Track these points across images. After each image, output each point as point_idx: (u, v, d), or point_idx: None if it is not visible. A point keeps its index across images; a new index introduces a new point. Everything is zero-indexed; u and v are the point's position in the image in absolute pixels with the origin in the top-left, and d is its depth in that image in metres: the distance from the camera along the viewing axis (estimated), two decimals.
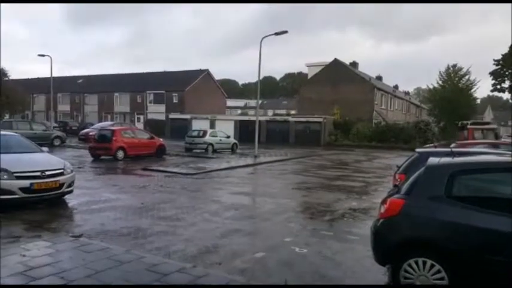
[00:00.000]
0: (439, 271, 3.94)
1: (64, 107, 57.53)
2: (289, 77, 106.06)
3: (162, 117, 46.14)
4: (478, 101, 54.76)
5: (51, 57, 32.73)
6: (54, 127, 32.80)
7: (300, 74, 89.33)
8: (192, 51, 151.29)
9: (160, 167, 15.45)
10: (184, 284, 4.24)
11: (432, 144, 19.93)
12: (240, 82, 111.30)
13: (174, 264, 4.88)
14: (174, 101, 49.14)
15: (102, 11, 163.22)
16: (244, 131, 35.82)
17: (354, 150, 29.87)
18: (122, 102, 53.21)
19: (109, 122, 38.41)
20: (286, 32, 21.14)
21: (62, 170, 8.17)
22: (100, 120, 47.80)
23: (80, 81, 59.66)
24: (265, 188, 12.10)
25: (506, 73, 38.47)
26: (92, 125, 36.94)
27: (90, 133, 26.34)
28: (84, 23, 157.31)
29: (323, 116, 36.02)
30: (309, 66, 48.52)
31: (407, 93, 68.64)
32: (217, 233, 6.60)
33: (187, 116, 42.20)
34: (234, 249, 5.73)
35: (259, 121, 25.25)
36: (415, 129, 34.64)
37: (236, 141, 26.24)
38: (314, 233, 6.84)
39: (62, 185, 8.03)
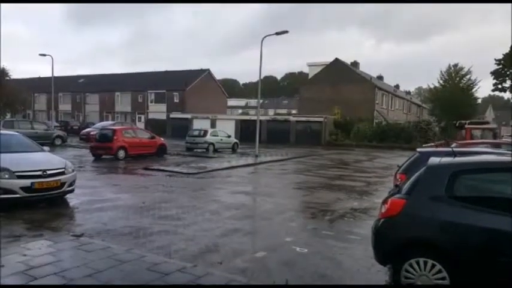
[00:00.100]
0: (440, 271, 3.93)
1: (65, 106, 57.56)
2: (290, 76, 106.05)
3: (163, 116, 46.16)
4: (479, 101, 54.62)
5: (52, 57, 32.75)
6: (55, 126, 32.78)
7: (300, 73, 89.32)
8: (192, 51, 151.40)
9: (161, 167, 15.46)
10: (184, 284, 4.24)
11: (432, 144, 19.95)
12: (241, 82, 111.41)
13: (174, 263, 4.89)
14: (175, 100, 49.14)
15: (102, 11, 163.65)
16: (245, 131, 35.84)
17: (355, 149, 29.86)
18: (123, 102, 53.23)
19: (110, 122, 38.43)
20: (286, 31, 21.15)
21: (63, 170, 8.18)
22: (101, 120, 47.80)
23: (81, 80, 59.70)
24: (266, 187, 12.10)
25: (508, 73, 38.42)
26: (93, 124, 36.97)
27: (91, 133, 26.37)
28: (84, 23, 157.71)
29: (324, 115, 36.00)
30: (309, 65, 48.48)
31: (408, 92, 68.60)
32: (218, 232, 6.61)
33: (188, 116, 42.22)
34: (235, 249, 5.74)
35: (260, 121, 25.24)
36: (416, 129, 34.59)
37: (237, 141, 26.25)
38: (315, 232, 6.84)
39: (63, 184, 8.04)
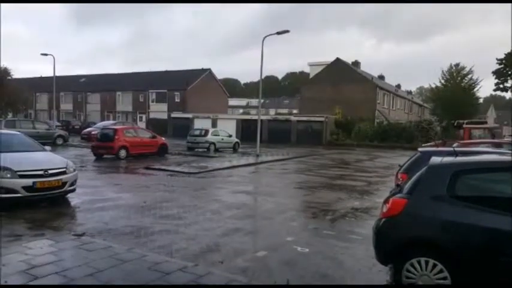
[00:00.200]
0: (441, 271, 3.93)
1: (66, 106, 57.65)
2: (291, 76, 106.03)
3: (164, 116, 46.19)
4: (481, 100, 54.57)
5: (53, 56, 32.75)
6: (56, 126, 32.87)
7: (301, 73, 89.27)
8: (192, 51, 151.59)
9: (162, 166, 15.47)
10: (184, 284, 4.24)
11: (432, 143, 19.94)
12: (242, 81, 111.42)
13: (176, 262, 4.89)
14: (176, 100, 49.17)
15: (102, 11, 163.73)
16: (246, 130, 35.86)
17: (356, 149, 29.83)
18: (124, 101, 53.28)
19: (111, 121, 38.49)
20: (288, 31, 21.14)
21: (64, 169, 8.19)
22: (102, 119, 47.87)
23: (83, 80, 59.77)
24: (267, 187, 12.10)
25: (509, 72, 38.29)
26: (94, 124, 37.02)
27: (93, 132, 26.43)
28: (84, 23, 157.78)
29: (325, 115, 35.98)
30: (311, 65, 48.47)
31: (409, 92, 68.52)
32: (219, 231, 6.61)
33: (189, 115, 42.24)
34: (236, 248, 5.74)
35: (261, 120, 25.24)
36: (418, 129, 34.55)
37: (238, 141, 26.25)
38: (316, 232, 6.84)
39: (64, 183, 8.06)
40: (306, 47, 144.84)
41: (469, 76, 44.12)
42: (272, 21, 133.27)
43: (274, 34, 21.26)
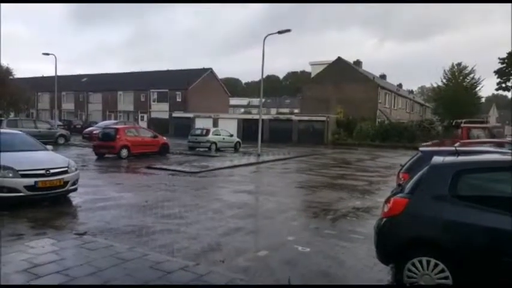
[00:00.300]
0: (442, 270, 3.93)
1: (68, 105, 57.75)
2: (292, 75, 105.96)
3: (166, 115, 46.24)
4: (483, 100, 54.44)
5: (55, 56, 32.85)
6: (58, 125, 32.93)
7: (303, 72, 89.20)
8: (194, 50, 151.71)
9: (163, 166, 15.48)
10: (185, 284, 4.25)
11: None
12: (243, 81, 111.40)
13: (177, 262, 4.90)
14: (178, 99, 49.22)
15: (103, 10, 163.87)
16: (247, 130, 35.85)
17: (357, 149, 29.80)
18: (125, 101, 53.35)
19: (113, 121, 38.52)
20: (289, 30, 21.13)
21: (66, 168, 8.21)
22: (104, 119, 47.95)
23: (84, 79, 59.87)
24: (268, 186, 12.10)
25: (511, 72, 38.21)
26: (96, 123, 37.07)
27: (94, 132, 26.44)
28: (85, 23, 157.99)
29: (326, 114, 35.96)
30: (312, 64, 48.45)
31: (411, 91, 68.36)
32: (221, 231, 6.62)
33: (191, 115, 42.26)
34: (237, 248, 5.74)
35: (262, 120, 25.22)
36: (419, 128, 34.50)
37: (239, 140, 26.26)
38: (317, 232, 6.84)
39: (66, 183, 8.08)
40: (307, 46, 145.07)
41: (471, 75, 44.07)
42: (273, 21, 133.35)
43: (275, 33, 21.25)
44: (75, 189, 8.57)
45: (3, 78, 36.59)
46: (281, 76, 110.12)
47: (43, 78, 58.51)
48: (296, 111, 56.68)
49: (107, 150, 18.14)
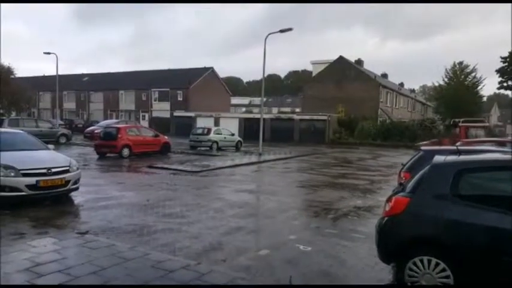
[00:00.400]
0: (444, 269, 3.92)
1: (70, 104, 57.86)
2: (293, 74, 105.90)
3: (167, 114, 46.26)
4: (484, 99, 54.27)
5: (56, 55, 32.84)
6: (60, 125, 33.00)
7: (304, 71, 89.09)
8: (194, 50, 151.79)
9: (165, 165, 15.50)
10: (186, 284, 4.26)
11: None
12: (245, 80, 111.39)
13: (179, 261, 4.91)
14: (179, 98, 49.25)
15: (104, 10, 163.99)
16: (249, 129, 35.83)
17: (359, 148, 29.78)
18: (127, 100, 53.41)
19: (114, 120, 38.56)
20: (291, 29, 21.12)
21: (67, 168, 8.23)
22: (105, 118, 48.03)
23: (85, 79, 59.95)
24: (270, 185, 12.10)
25: None
26: (97, 122, 37.12)
27: (96, 131, 26.48)
28: (86, 22, 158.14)
29: (328, 113, 35.91)
30: (313, 63, 48.36)
31: (412, 90, 68.29)
32: (222, 230, 6.62)
33: (192, 114, 42.26)
34: (238, 247, 5.75)
35: (264, 119, 25.20)
36: (421, 127, 34.43)
37: (240, 139, 26.26)
38: (318, 231, 6.84)
39: (67, 182, 8.09)
40: (308, 45, 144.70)
41: (473, 74, 43.92)
42: (273, 21, 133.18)
43: (277, 32, 21.22)
44: (76, 189, 8.58)
45: (4, 78, 36.64)
46: (282, 75, 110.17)
47: (44, 77, 58.58)
48: (297, 110, 56.65)
49: (109, 150, 18.16)
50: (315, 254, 5.55)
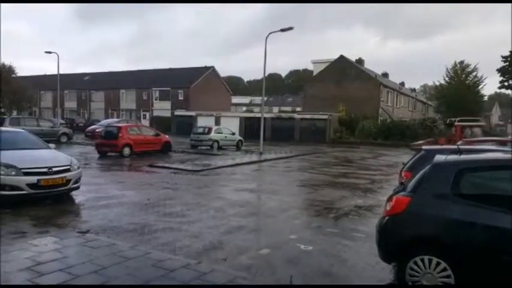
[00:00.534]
0: (444, 269, 3.92)
1: (71, 103, 57.92)
2: (294, 74, 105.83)
3: (168, 114, 46.30)
4: (485, 98, 54.20)
5: (58, 54, 32.85)
6: (61, 124, 33.02)
7: (305, 70, 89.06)
8: (195, 50, 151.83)
9: (166, 164, 15.50)
10: (187, 284, 4.26)
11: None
12: (245, 79, 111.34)
13: (179, 260, 4.91)
14: (180, 97, 49.28)
15: (105, 10, 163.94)
16: (249, 128, 35.83)
17: (360, 147, 29.76)
18: (127, 99, 53.45)
19: (115, 119, 38.61)
20: (291, 28, 21.10)
21: (68, 167, 8.23)
22: (106, 117, 48.08)
23: (86, 78, 59.99)
24: (270, 185, 12.10)
25: None
26: (98, 121, 37.15)
27: (97, 130, 26.50)
28: (88, 22, 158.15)
29: (328, 113, 35.90)
30: (314, 63, 48.32)
31: (413, 90, 68.21)
32: (223, 229, 6.62)
33: (193, 113, 42.28)
34: (239, 246, 5.75)
35: (264, 118, 25.20)
36: (421, 127, 34.39)
37: (241, 138, 26.26)
38: (319, 230, 6.84)
39: (68, 181, 8.10)
40: (309, 45, 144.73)
41: (474, 74, 43.91)
42: (273, 21, 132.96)
43: (278, 31, 21.22)
44: (77, 188, 8.59)
45: (5, 77, 36.68)
46: (283, 74, 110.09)
47: (45, 76, 58.62)
48: (298, 109, 56.63)
49: (110, 149, 18.18)
50: (315, 254, 5.55)
